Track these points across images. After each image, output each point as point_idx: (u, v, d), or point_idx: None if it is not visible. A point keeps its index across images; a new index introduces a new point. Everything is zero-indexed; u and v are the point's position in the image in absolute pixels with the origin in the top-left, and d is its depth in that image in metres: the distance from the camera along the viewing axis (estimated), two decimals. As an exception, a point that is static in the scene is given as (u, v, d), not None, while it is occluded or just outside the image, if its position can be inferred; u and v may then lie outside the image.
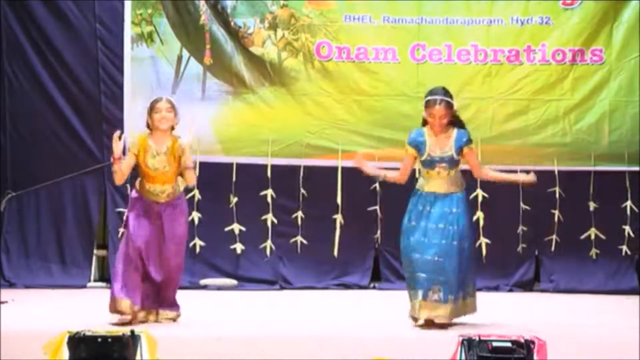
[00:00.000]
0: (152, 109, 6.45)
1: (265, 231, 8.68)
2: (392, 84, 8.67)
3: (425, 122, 6.42)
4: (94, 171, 8.79)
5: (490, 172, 6.60)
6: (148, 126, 6.49)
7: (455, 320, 6.36)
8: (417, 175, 6.60)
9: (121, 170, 6.39)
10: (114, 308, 6.33)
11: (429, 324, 6.28)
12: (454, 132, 6.37)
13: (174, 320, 6.50)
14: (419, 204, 6.34)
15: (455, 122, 6.42)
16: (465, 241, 6.33)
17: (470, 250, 6.43)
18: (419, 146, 6.35)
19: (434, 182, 6.34)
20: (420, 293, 6.20)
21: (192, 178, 6.53)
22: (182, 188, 6.54)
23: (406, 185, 6.58)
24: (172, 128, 6.49)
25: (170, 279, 6.48)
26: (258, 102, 8.73)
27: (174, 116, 6.45)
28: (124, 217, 6.56)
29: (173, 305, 6.54)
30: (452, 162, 6.35)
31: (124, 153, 6.50)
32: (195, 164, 8.45)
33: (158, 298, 6.45)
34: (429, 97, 6.34)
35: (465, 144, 6.35)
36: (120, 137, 6.35)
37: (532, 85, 8.66)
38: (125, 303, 6.28)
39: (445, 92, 6.37)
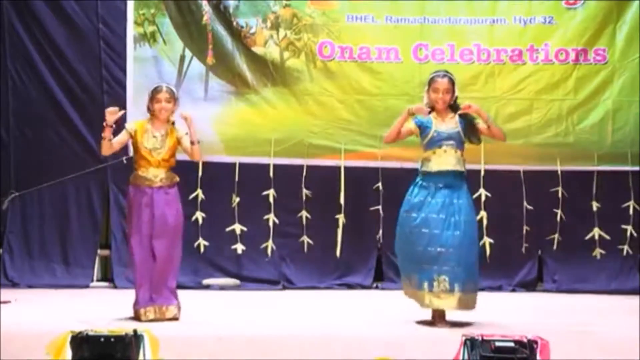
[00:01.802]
0: (153, 98, 6.62)
1: (267, 231, 8.67)
2: (394, 83, 8.67)
3: (428, 112, 6.53)
4: (97, 171, 8.80)
5: (492, 127, 6.63)
6: (149, 110, 6.65)
7: (458, 319, 6.37)
8: (419, 168, 6.58)
9: (110, 142, 6.50)
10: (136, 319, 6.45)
11: (438, 316, 6.30)
12: (456, 116, 6.50)
13: (176, 314, 6.53)
14: (420, 195, 6.37)
15: (456, 107, 6.54)
16: (469, 231, 6.35)
17: (475, 239, 6.46)
18: (424, 125, 6.48)
19: (442, 160, 6.39)
20: (425, 284, 6.23)
21: (197, 153, 6.62)
22: (176, 179, 6.64)
23: (408, 185, 6.57)
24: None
25: (170, 269, 6.53)
26: (260, 102, 8.73)
27: (173, 105, 6.63)
28: (127, 218, 6.61)
29: (173, 296, 6.57)
30: (459, 141, 6.44)
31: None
32: (198, 164, 8.50)
33: (159, 289, 6.49)
34: (433, 74, 6.57)
35: (469, 122, 6.49)
36: (116, 112, 6.48)
37: (535, 85, 8.65)
38: (148, 311, 6.44)
39: (447, 72, 6.61)
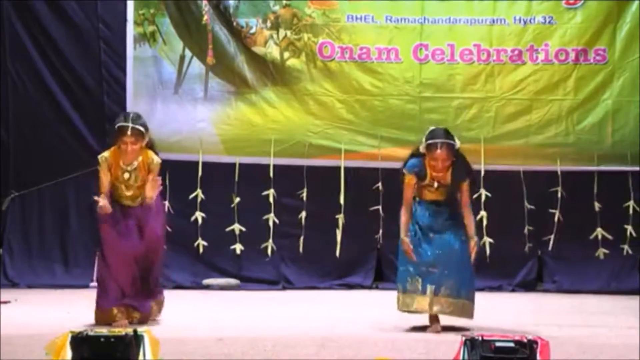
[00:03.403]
0: (117, 137, 6.34)
1: (267, 231, 8.67)
2: (394, 83, 8.67)
3: (422, 154, 6.33)
4: (96, 171, 8.78)
5: (467, 214, 6.41)
6: (115, 143, 6.39)
7: (457, 320, 6.38)
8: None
9: (104, 194, 6.34)
10: (104, 320, 6.36)
11: (435, 320, 6.31)
12: (451, 166, 6.30)
13: (159, 309, 6.55)
14: (422, 204, 6.36)
15: (456, 157, 6.32)
16: (466, 244, 6.35)
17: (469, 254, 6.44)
18: (419, 174, 6.33)
19: (433, 194, 6.36)
20: (431, 288, 6.21)
21: (150, 190, 6.32)
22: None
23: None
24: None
25: (152, 275, 6.52)
26: (260, 102, 8.74)
27: (141, 142, 6.34)
28: (99, 226, 6.49)
29: (157, 295, 6.59)
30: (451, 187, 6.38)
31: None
32: (198, 164, 8.50)
33: (143, 294, 6.48)
34: (431, 141, 6.24)
35: (462, 180, 6.33)
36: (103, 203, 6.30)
37: (535, 85, 8.65)
38: (114, 313, 6.37)
39: (447, 134, 6.31)
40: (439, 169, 6.26)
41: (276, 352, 5.45)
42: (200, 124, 8.69)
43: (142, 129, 6.35)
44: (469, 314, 6.30)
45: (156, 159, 6.41)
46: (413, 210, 6.37)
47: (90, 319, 6.38)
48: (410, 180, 6.34)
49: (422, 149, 6.30)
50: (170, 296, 6.86)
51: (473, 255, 6.30)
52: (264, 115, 8.73)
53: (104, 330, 4.35)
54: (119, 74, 8.80)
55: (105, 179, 6.38)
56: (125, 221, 6.40)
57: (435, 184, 6.31)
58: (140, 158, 6.38)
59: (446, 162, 6.25)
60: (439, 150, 6.21)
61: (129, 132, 6.28)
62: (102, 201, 6.28)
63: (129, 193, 6.42)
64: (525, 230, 8.57)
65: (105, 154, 6.43)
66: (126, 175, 6.39)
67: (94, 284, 8.66)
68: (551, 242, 8.57)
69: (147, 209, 6.41)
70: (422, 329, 6.30)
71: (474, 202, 7.97)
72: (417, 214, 6.36)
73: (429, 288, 6.21)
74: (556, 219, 8.55)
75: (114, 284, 6.39)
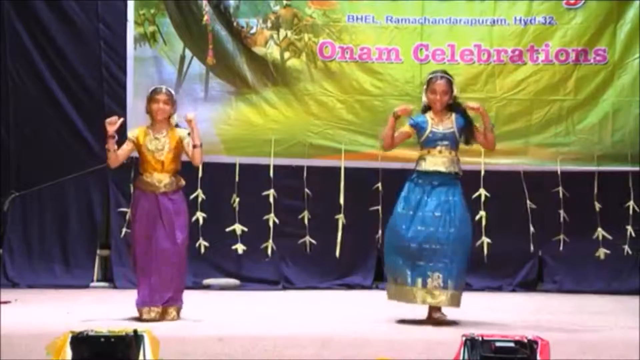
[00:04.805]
0: (151, 99, 6.63)
1: (268, 231, 8.67)
2: (395, 84, 8.67)
3: (425, 110, 6.52)
4: (97, 171, 8.79)
5: (488, 134, 6.61)
6: (147, 111, 6.67)
7: (457, 319, 6.39)
8: (415, 167, 6.60)
9: (115, 153, 6.54)
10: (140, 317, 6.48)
11: (431, 314, 6.34)
12: (454, 115, 6.50)
13: (177, 314, 6.57)
14: (416, 193, 6.41)
15: (455, 107, 6.53)
16: (462, 229, 6.38)
17: (467, 239, 6.48)
18: (419, 126, 6.50)
19: (436, 160, 6.42)
20: (419, 281, 6.27)
21: (197, 156, 6.58)
22: (182, 183, 6.65)
23: (408, 185, 6.59)
24: (170, 116, 6.68)
25: (172, 276, 6.54)
26: (261, 102, 8.74)
27: (171, 107, 6.63)
28: (127, 217, 6.63)
29: (177, 300, 6.61)
30: (454, 142, 6.47)
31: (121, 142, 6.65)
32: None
33: (163, 294, 6.51)
34: (431, 75, 6.55)
35: (468, 123, 6.50)
36: (115, 121, 6.49)
37: (535, 85, 8.65)
38: (146, 311, 6.47)
39: (446, 72, 6.59)
40: (438, 105, 6.43)
41: (277, 352, 5.45)
42: (200, 124, 8.61)
43: (173, 92, 6.70)
44: (457, 304, 6.37)
45: (184, 132, 6.62)
46: (408, 192, 6.44)
47: (90, 318, 6.38)
48: (406, 129, 6.56)
49: (423, 93, 6.55)
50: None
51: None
52: (264, 115, 8.73)
53: (104, 330, 4.35)
54: (119, 74, 8.80)
55: (125, 146, 6.60)
56: (153, 214, 6.48)
57: (440, 133, 6.40)
58: (169, 131, 6.59)
59: (445, 96, 6.44)
60: (439, 81, 6.46)
61: (163, 90, 6.61)
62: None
63: (155, 171, 6.52)
64: (532, 230, 8.53)
65: (135, 130, 6.69)
66: (155, 142, 6.55)
67: (94, 284, 8.76)
68: (561, 243, 8.55)
69: (172, 202, 6.53)
70: (423, 326, 6.31)
71: (473, 202, 8.01)
72: (412, 198, 6.40)
73: (418, 280, 6.28)
74: (562, 219, 8.53)
75: (141, 285, 6.51)
